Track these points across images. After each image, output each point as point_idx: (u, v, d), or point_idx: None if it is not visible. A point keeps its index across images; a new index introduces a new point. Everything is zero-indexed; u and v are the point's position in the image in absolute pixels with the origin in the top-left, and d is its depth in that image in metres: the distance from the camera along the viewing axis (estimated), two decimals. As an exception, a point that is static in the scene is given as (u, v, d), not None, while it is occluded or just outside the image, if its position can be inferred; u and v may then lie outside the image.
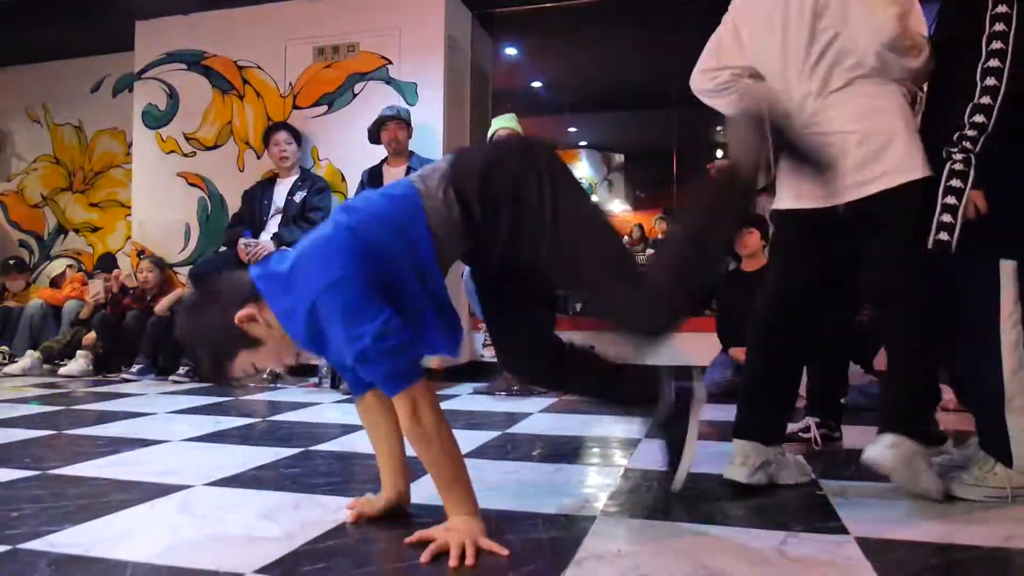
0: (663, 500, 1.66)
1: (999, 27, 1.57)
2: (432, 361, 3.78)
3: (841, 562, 1.24)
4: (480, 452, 2.18)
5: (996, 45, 1.57)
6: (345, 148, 4.56)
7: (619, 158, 10.38)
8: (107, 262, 5.23)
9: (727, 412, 3.15)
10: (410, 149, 4.12)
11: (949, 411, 3.12)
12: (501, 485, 1.78)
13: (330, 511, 1.52)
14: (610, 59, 6.59)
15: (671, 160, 7.85)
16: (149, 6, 4.96)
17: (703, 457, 2.13)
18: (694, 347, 4.39)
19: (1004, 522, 1.49)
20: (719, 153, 10.03)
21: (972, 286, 1.70)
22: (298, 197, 4.22)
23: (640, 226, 10.17)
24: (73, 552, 1.26)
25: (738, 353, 3.80)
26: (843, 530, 1.41)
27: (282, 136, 4.35)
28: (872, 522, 1.47)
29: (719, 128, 9.30)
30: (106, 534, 1.36)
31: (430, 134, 4.39)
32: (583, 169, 10.15)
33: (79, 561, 1.22)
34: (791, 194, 1.82)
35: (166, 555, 1.25)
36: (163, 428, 2.60)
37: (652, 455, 2.17)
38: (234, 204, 4.58)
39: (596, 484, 1.84)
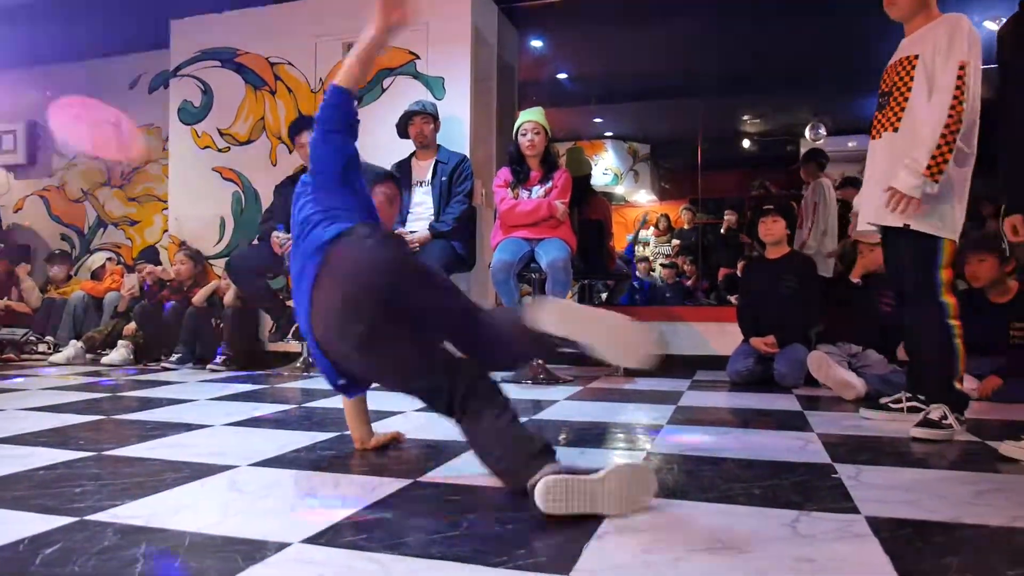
0: (683, 482, 1.74)
1: None
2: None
3: (850, 538, 1.31)
4: (507, 437, 2.26)
5: None
6: (375, 142, 4.64)
7: (645, 148, 10.37)
8: (151, 254, 5.39)
9: (750, 400, 3.21)
10: (438, 143, 4.20)
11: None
12: (528, 467, 1.86)
13: (367, 489, 1.62)
14: (635, 50, 6.62)
15: (696, 150, 7.86)
16: (183, 5, 5.11)
17: (723, 442, 2.20)
18: (718, 338, 4.45)
19: (1012, 505, 1.54)
20: (745, 143, 10.01)
21: None
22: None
23: (666, 216, 10.16)
24: (135, 523, 1.37)
25: (758, 343, 3.78)
26: (854, 510, 1.48)
27: (307, 137, 4.30)
28: (883, 503, 1.53)
29: (744, 117, 9.28)
30: (163, 507, 1.47)
31: (458, 127, 4.47)
32: (609, 160, 10.17)
33: (141, 531, 1.33)
34: None
35: (219, 526, 1.36)
36: (204, 413, 2.73)
37: (675, 441, 2.25)
38: (267, 197, 4.70)
39: (619, 467, 1.91)
